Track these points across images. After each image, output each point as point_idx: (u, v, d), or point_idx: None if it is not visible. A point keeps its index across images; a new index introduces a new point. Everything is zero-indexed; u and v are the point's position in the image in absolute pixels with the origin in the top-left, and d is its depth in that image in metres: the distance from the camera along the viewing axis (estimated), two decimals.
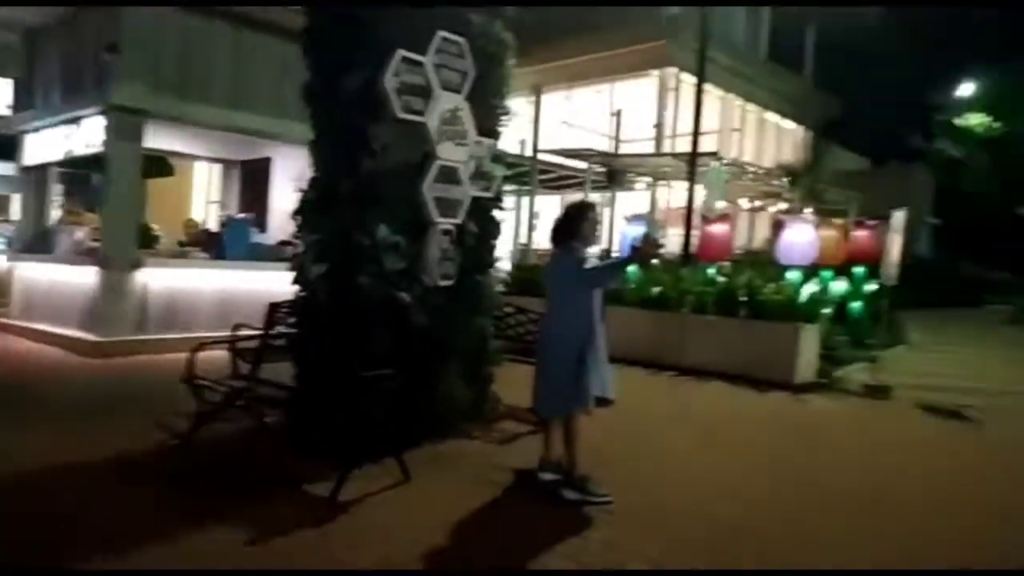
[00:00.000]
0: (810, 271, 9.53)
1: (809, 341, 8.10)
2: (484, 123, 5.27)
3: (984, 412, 6.98)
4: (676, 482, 4.55)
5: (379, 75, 4.57)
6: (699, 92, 11.06)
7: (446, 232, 5.05)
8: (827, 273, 10.22)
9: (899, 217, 7.98)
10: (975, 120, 31.23)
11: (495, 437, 5.30)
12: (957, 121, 31.50)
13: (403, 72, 4.66)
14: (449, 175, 5.01)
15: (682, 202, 12.04)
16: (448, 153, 4.97)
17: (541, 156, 18.01)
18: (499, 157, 5.42)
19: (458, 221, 5.12)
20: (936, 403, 7.27)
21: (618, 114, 20.16)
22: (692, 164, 10.80)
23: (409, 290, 4.79)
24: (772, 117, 26.62)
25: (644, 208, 21.07)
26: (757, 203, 22.89)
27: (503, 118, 5.46)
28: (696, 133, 11.02)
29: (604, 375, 4.16)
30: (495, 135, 5.42)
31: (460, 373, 5.35)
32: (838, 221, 10.93)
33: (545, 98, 21.84)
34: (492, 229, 5.48)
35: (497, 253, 5.64)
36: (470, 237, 5.23)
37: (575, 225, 4.29)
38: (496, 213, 5.53)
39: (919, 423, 6.68)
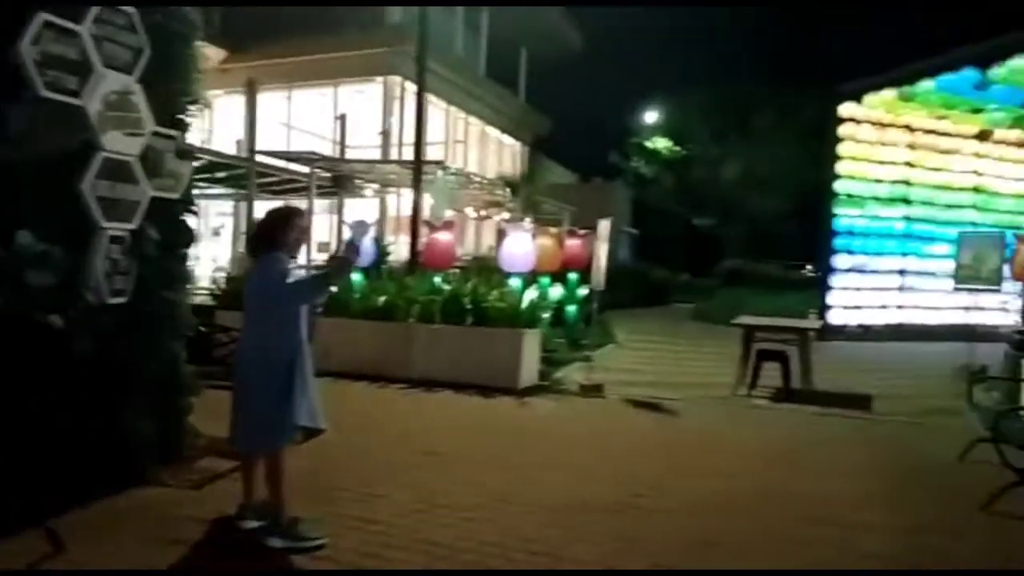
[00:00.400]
0: (530, 278, 9.88)
1: (531, 346, 8.33)
2: (166, 111, 4.46)
3: (680, 402, 7.70)
4: (397, 507, 4.20)
5: (13, 41, 3.60)
6: (420, 99, 10.97)
7: (117, 239, 4.16)
8: (545, 279, 10.70)
9: (604, 226, 8.57)
10: (660, 143, 35.76)
11: (191, 480, 4.51)
12: (647, 143, 35.81)
13: (48, 41, 3.72)
14: (118, 171, 4.14)
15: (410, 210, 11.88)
16: (116, 144, 4.10)
17: (260, 158, 16.72)
18: (187, 152, 4.64)
19: (133, 226, 4.25)
20: (641, 397, 7.88)
21: (343, 118, 19.54)
22: (417, 172, 10.65)
23: (65, 311, 3.85)
24: (493, 131, 27.90)
25: (373, 215, 20.73)
26: (482, 212, 23.76)
27: (191, 108, 4.70)
28: (419, 141, 10.90)
29: (313, 401, 3.68)
30: (182, 126, 4.64)
31: (145, 408, 4.48)
32: (553, 230, 11.54)
33: (264, 97, 20.42)
34: (181, 237, 4.68)
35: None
36: (151, 246, 4.39)
37: (278, 232, 3.75)
38: (187, 218, 4.74)
39: (628, 417, 7.14)
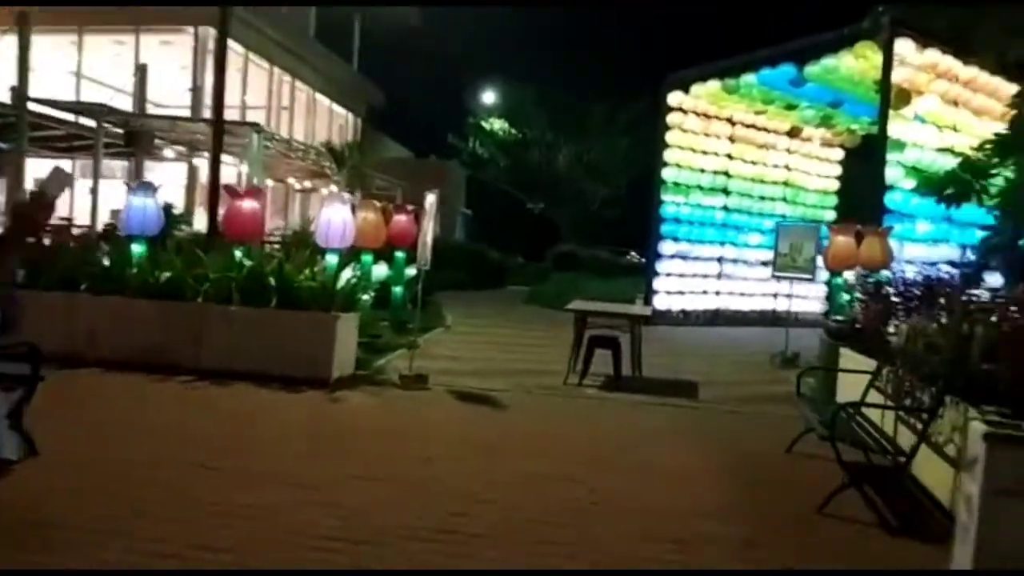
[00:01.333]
0: (350, 255, 8.90)
1: (347, 331, 7.40)
2: None
3: (510, 393, 7.13)
4: (138, 550, 3.21)
5: None
6: (222, 47, 9.52)
7: None
8: (368, 257, 9.76)
9: (431, 200, 7.76)
10: (497, 125, 35.53)
11: None
12: (484, 124, 35.45)
13: None
14: None
15: (226, 176, 10.40)
16: None
17: (33, 107, 14.19)
18: None
19: None
20: (468, 388, 7.23)
21: (143, 69, 17.20)
22: (218, 131, 9.24)
23: None
24: (323, 100, 26.13)
25: (180, 181, 18.52)
26: (307, 184, 22.13)
27: None
28: (220, 95, 9.47)
29: None
30: None
31: None
32: (378, 204, 10.58)
33: (47, 40, 17.53)
34: None
35: None
36: None
37: None
38: None
39: (452, 412, 6.46)
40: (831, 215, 17.70)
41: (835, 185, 17.81)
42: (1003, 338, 3.72)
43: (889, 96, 11.03)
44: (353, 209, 9.05)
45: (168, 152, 17.91)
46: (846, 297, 9.26)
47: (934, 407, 4.04)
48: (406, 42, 32.12)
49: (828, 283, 9.60)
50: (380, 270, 10.44)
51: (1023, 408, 3.41)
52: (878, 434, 4.74)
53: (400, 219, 10.77)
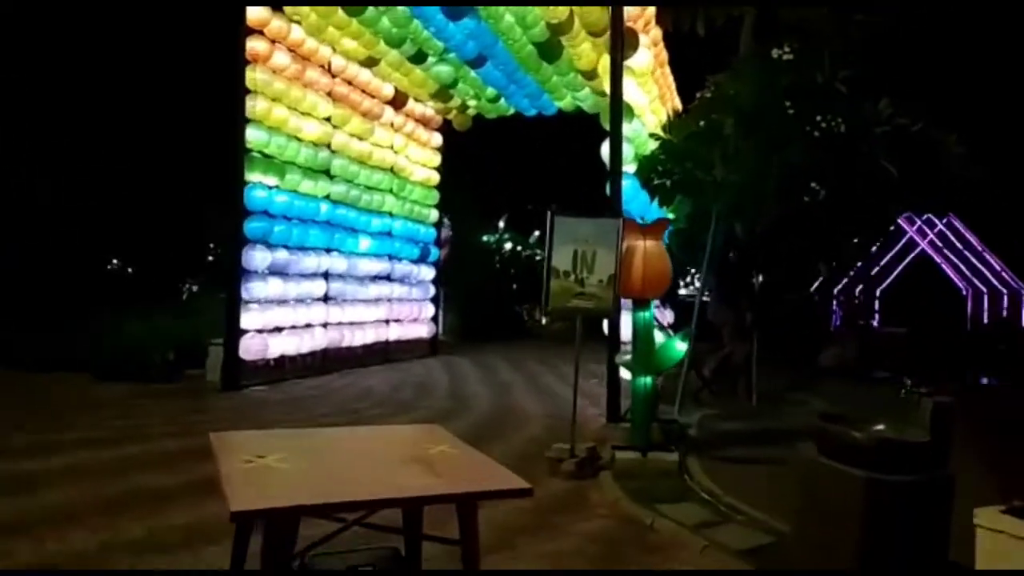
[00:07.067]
0: None
1: None
2: None
3: None
4: None
5: None
6: None
7: None
8: None
9: None
10: None
11: None
12: None
13: None
14: None
15: None
16: None
17: None
18: None
19: None
20: None
21: None
22: None
23: None
24: None
25: None
26: None
27: None
28: None
29: None
30: None
31: None
32: None
33: None
34: None
35: None
36: None
37: None
38: None
39: None
40: (435, 215, 14.08)
41: (436, 178, 14.11)
42: None
43: (621, 32, 7.64)
44: None
45: None
46: (682, 348, 5.28)
47: None
48: None
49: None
50: None
51: None
52: None
53: None
